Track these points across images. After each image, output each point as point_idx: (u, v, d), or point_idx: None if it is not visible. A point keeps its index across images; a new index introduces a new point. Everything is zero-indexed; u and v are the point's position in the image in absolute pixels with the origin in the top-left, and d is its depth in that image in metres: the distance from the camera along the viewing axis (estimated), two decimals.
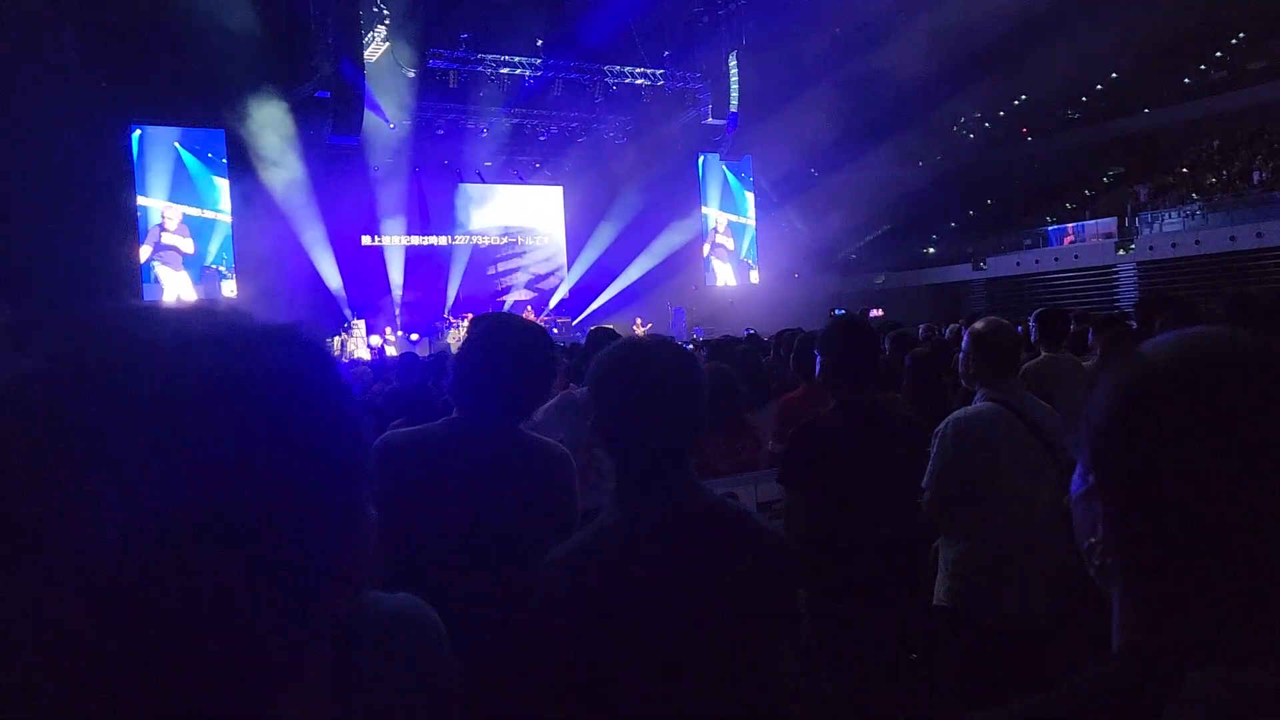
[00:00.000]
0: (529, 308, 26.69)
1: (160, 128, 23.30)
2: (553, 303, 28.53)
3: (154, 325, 0.57)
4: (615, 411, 1.76)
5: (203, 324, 0.59)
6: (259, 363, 0.58)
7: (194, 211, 23.51)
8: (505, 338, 2.49)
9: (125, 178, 22.68)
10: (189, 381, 0.54)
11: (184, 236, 23.38)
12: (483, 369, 2.45)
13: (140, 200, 22.92)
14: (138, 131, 23.04)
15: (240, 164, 23.13)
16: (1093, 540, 0.83)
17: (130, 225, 22.65)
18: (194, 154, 23.73)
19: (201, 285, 23.48)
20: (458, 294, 27.15)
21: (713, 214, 30.57)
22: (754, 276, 31.36)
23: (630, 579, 1.68)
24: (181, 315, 0.59)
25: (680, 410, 1.75)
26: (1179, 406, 0.76)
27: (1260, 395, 0.75)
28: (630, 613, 1.66)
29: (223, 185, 23.84)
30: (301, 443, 0.57)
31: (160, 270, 23.03)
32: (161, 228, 23.15)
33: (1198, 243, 25.80)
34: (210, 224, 23.68)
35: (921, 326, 9.26)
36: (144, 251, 22.73)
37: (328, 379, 0.62)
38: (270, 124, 23.18)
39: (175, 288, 23.16)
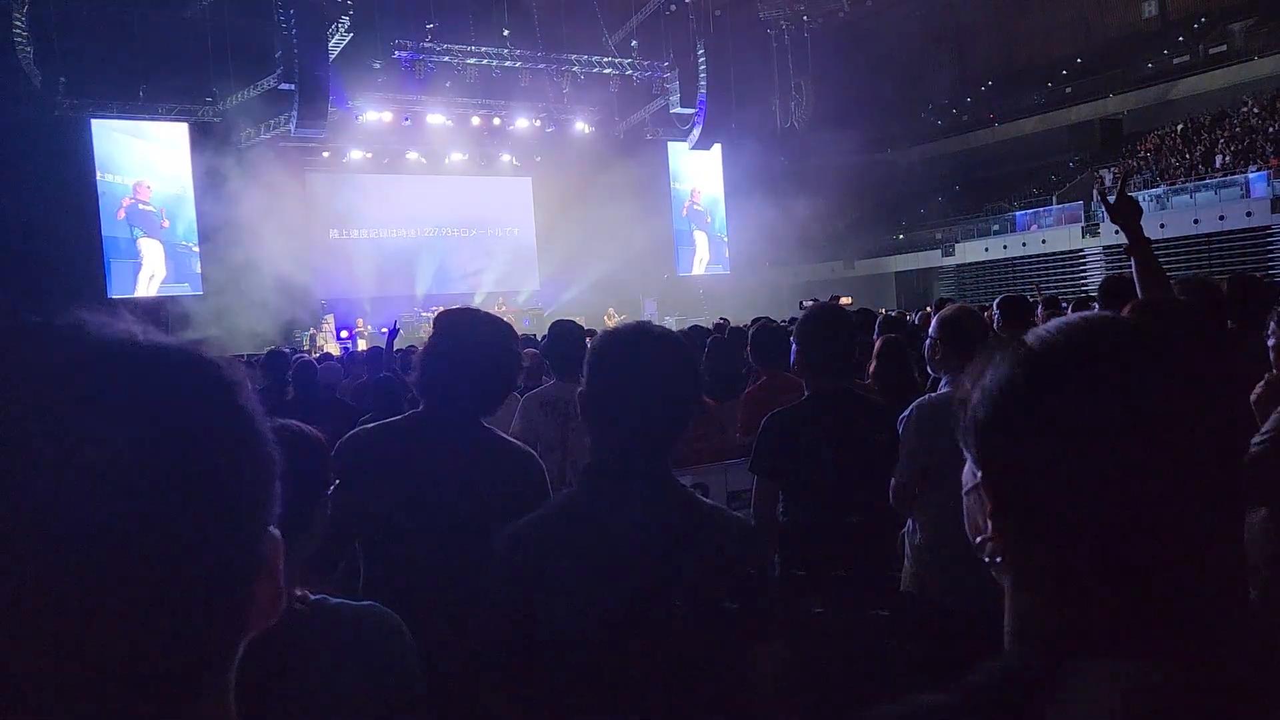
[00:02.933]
0: (500, 300, 26.61)
1: (121, 119, 23.05)
2: (523, 294, 28.45)
3: (62, 344, 0.56)
4: (604, 389, 1.77)
5: (110, 347, 0.58)
6: (152, 394, 0.57)
7: (160, 189, 23.53)
8: (469, 333, 2.50)
9: (85, 168, 22.44)
10: (78, 404, 0.54)
11: (155, 207, 23.45)
12: (447, 364, 2.46)
13: (108, 177, 22.79)
14: (96, 123, 22.79)
15: (203, 157, 22.92)
16: (982, 536, 0.81)
17: (93, 214, 22.47)
18: (155, 144, 23.60)
19: (172, 261, 23.47)
20: (428, 287, 27.02)
21: (686, 188, 30.83)
22: (726, 252, 31.59)
23: (579, 555, 1.69)
24: (88, 338, 0.58)
25: (665, 398, 1.76)
26: (1059, 398, 0.74)
27: (1142, 384, 0.74)
28: (576, 589, 1.67)
29: (186, 178, 23.66)
30: (185, 477, 0.56)
31: (141, 239, 23.06)
32: (137, 198, 23.07)
33: (1162, 226, 26.08)
34: (176, 203, 23.69)
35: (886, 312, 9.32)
36: (119, 214, 22.84)
37: (231, 416, 0.60)
38: (233, 117, 22.96)
39: (152, 261, 23.15)
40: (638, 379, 1.74)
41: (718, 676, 1.72)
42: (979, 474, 0.82)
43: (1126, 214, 2.86)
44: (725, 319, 13.01)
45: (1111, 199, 2.90)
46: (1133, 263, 2.92)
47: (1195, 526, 0.73)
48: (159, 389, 0.57)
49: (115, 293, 22.55)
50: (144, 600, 0.54)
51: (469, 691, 1.87)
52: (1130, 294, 3.93)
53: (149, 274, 23.27)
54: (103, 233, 22.71)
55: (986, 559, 0.81)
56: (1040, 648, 0.75)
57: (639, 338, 1.81)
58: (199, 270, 23.81)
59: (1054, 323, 0.80)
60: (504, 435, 2.61)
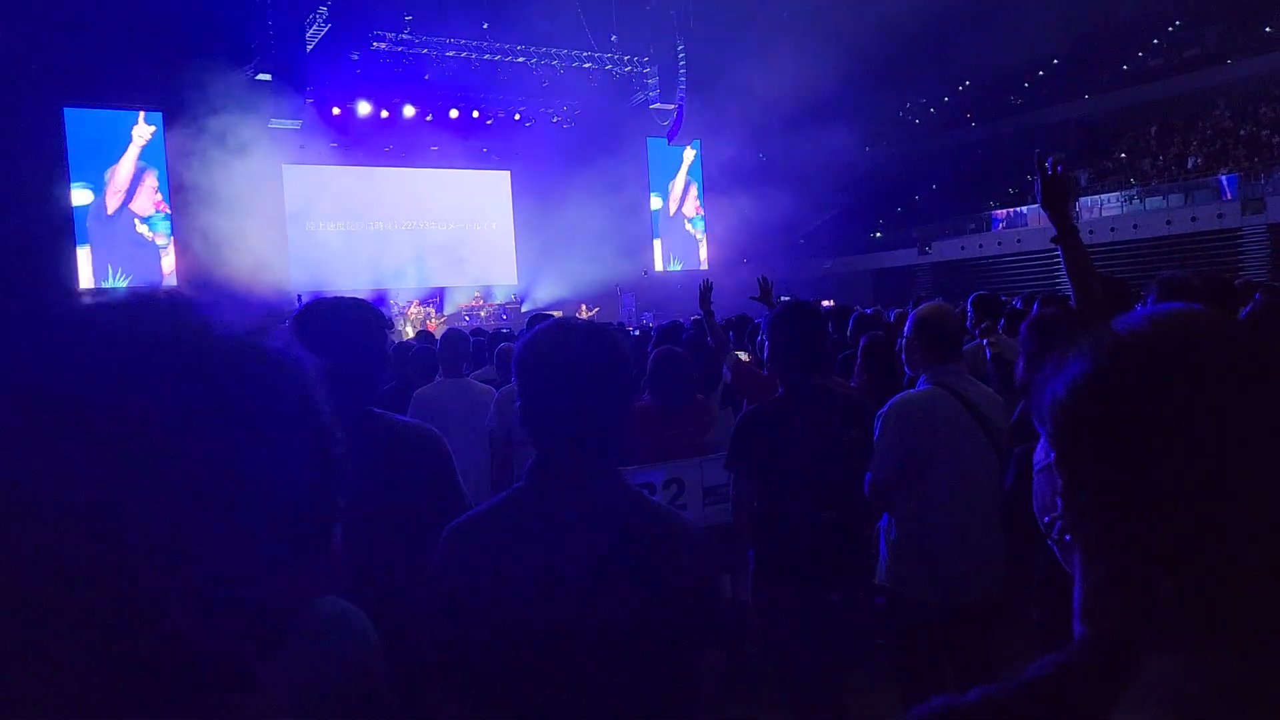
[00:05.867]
0: (477, 294, 26.50)
1: (94, 110, 22.79)
2: (500, 289, 28.34)
3: (129, 322, 0.59)
4: (534, 391, 1.75)
5: (178, 325, 0.60)
6: (235, 371, 0.60)
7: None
8: (326, 322, 2.41)
9: (58, 160, 22.16)
10: (159, 383, 0.55)
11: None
12: (317, 355, 2.39)
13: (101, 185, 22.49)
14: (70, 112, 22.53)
15: (178, 146, 22.67)
16: (1052, 515, 0.82)
17: (66, 209, 22.23)
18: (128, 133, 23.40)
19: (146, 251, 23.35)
20: (405, 281, 26.85)
21: (677, 185, 31.05)
22: (702, 252, 31.78)
23: (522, 550, 1.67)
24: (156, 313, 0.60)
25: (596, 394, 1.73)
26: (1148, 386, 0.75)
27: (1233, 377, 0.74)
28: (517, 584, 1.65)
29: (160, 167, 23.45)
30: (270, 456, 0.59)
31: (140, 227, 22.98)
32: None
33: (1135, 227, 26.39)
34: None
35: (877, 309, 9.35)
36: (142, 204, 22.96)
37: (302, 395, 0.64)
38: (209, 107, 22.70)
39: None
40: (563, 378, 1.72)
41: (656, 676, 1.70)
42: (1052, 454, 0.82)
43: (1058, 197, 2.70)
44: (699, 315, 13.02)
45: (1046, 181, 2.71)
46: (1061, 254, 2.75)
47: (1266, 517, 0.73)
48: (258, 382, 0.60)
49: (86, 281, 22.34)
50: (227, 568, 0.56)
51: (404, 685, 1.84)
52: (1114, 292, 3.94)
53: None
54: (81, 219, 22.52)
55: (1054, 537, 0.83)
56: (1111, 639, 0.75)
57: (559, 336, 1.78)
58: (172, 261, 23.60)
59: (1143, 313, 0.80)
60: (400, 418, 2.55)
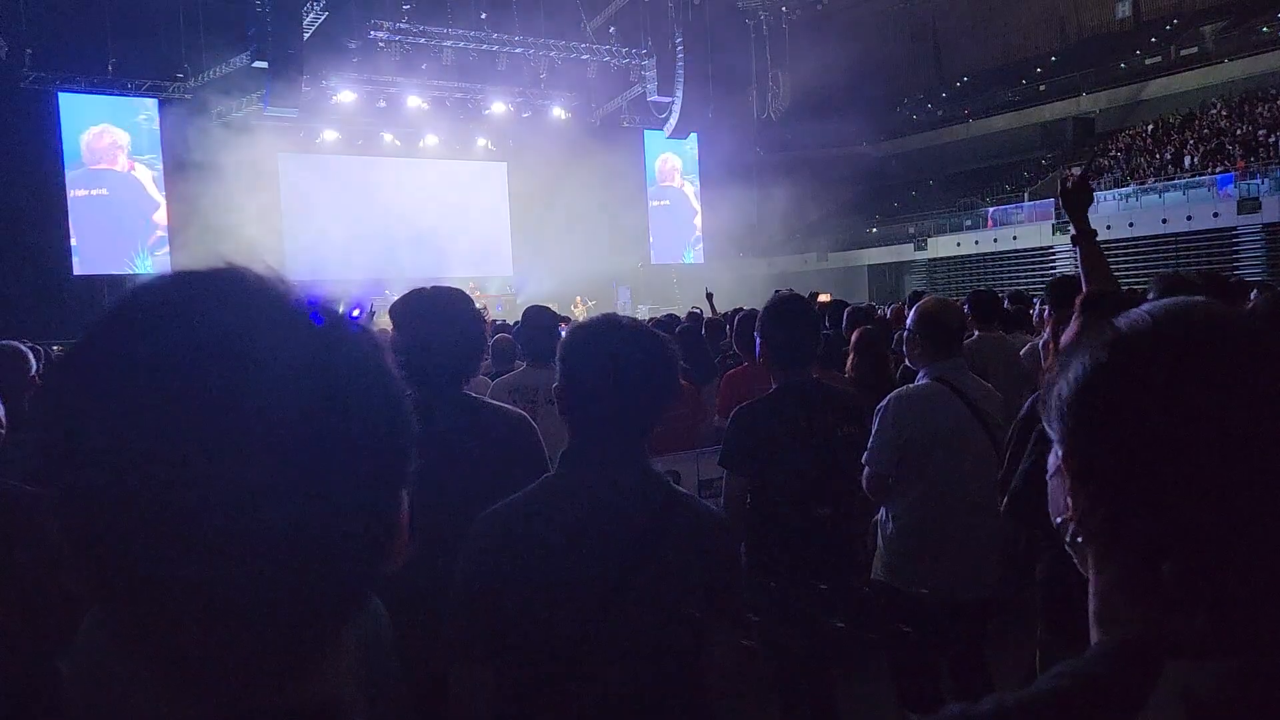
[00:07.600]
0: (472, 284, 26.43)
1: (89, 95, 22.69)
2: (495, 280, 28.29)
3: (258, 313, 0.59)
4: (582, 383, 1.80)
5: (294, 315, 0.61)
6: (346, 351, 0.61)
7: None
8: (436, 309, 2.59)
9: (52, 146, 22.08)
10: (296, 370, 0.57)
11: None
12: (419, 341, 2.51)
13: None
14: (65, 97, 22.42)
15: (173, 133, 22.58)
16: (1064, 516, 0.81)
17: (59, 188, 22.19)
18: (126, 118, 23.26)
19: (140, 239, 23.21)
20: (400, 270, 26.76)
21: (675, 177, 31.02)
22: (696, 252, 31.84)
23: (557, 535, 1.73)
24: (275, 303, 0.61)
25: (639, 389, 1.79)
26: (1153, 380, 0.74)
27: (1234, 365, 0.73)
28: (553, 567, 1.70)
29: (155, 154, 23.35)
30: (353, 438, 0.60)
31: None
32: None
33: (1131, 225, 26.41)
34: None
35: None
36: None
37: (386, 381, 0.64)
38: (205, 93, 22.61)
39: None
40: (611, 370, 1.77)
41: (684, 658, 1.76)
42: (1061, 453, 0.81)
43: (1078, 203, 2.91)
44: (698, 308, 13.05)
45: (1070, 185, 2.93)
46: (1078, 253, 2.97)
47: (1271, 510, 0.71)
48: (327, 354, 0.60)
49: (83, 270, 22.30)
50: (308, 551, 0.56)
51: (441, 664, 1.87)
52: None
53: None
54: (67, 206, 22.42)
55: (1067, 539, 0.81)
56: (1133, 644, 0.74)
57: (609, 330, 1.85)
58: (167, 249, 23.52)
59: (1144, 307, 0.80)
60: (493, 402, 2.68)
